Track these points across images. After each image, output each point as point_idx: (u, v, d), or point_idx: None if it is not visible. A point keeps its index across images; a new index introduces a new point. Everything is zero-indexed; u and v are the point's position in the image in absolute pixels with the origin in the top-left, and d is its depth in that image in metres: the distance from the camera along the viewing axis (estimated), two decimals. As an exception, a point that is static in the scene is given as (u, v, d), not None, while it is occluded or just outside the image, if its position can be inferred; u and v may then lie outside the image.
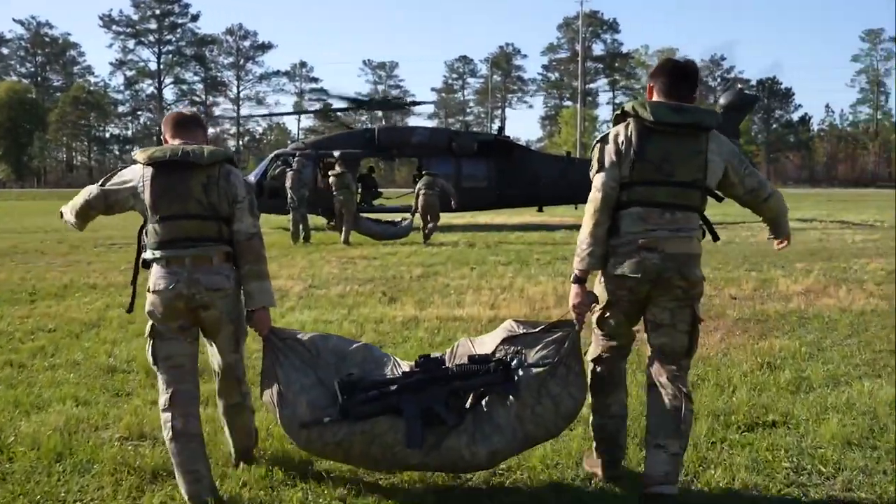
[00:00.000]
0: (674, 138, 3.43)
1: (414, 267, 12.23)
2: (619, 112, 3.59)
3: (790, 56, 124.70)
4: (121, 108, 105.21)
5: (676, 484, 3.48)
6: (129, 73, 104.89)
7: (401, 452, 3.48)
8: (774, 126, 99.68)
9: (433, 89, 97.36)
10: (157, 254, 3.56)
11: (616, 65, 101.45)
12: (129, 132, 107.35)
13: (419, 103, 27.95)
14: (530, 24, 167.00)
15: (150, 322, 3.62)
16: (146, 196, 3.56)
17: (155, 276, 3.59)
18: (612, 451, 3.79)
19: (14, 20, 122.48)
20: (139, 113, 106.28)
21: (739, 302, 8.89)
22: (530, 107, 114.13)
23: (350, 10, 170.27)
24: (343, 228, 16.89)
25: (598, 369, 3.75)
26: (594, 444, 3.87)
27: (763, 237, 13.29)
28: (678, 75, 3.54)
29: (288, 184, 17.11)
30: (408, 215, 18.32)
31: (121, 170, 3.75)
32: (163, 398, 3.61)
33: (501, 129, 25.42)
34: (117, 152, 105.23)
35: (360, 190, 21.59)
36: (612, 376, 3.75)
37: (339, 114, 30.24)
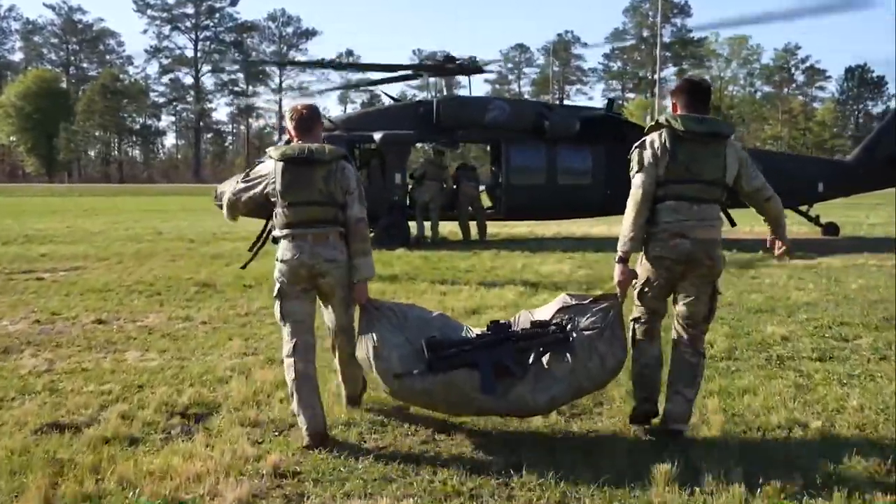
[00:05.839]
0: (699, 144, 4.66)
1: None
2: (653, 123, 4.86)
3: (874, 43, 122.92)
4: (156, 99, 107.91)
5: (688, 423, 4.81)
6: (164, 62, 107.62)
7: (476, 399, 4.71)
8: (862, 119, 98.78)
9: (486, 81, 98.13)
10: (285, 232, 4.85)
11: (684, 53, 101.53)
12: (162, 123, 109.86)
13: (479, 70, 20.66)
14: (589, 10, 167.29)
15: (277, 286, 4.92)
16: (277, 185, 4.84)
17: (283, 249, 4.87)
18: (648, 392, 4.92)
19: (45, 5, 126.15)
20: (175, 103, 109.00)
21: None
22: (590, 98, 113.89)
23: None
24: (431, 225, 17.53)
25: (637, 326, 4.95)
26: (634, 391, 5.01)
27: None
28: (697, 93, 4.81)
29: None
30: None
31: (258, 164, 5.07)
32: (287, 346, 4.91)
33: (611, 103, 19.74)
34: (159, 144, 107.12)
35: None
36: (649, 332, 4.93)
37: (382, 89, 25.86)
